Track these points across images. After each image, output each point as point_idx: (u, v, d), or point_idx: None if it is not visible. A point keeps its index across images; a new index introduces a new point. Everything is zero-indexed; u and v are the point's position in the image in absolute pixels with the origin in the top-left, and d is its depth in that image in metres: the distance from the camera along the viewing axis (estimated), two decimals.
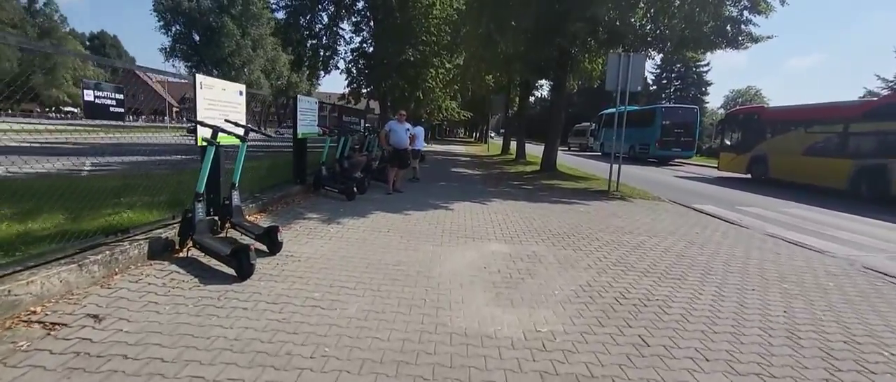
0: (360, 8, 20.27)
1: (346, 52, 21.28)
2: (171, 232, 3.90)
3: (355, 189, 7.41)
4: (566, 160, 20.71)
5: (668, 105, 26.18)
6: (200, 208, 3.69)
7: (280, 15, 19.83)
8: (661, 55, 13.29)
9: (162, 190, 5.30)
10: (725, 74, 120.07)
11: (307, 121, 7.38)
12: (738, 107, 16.97)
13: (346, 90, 21.81)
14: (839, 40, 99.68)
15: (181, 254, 3.81)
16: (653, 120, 23.95)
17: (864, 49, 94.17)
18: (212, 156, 3.66)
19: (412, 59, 20.42)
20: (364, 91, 21.74)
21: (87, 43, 79.89)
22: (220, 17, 55.43)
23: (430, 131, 37.38)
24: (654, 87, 48.69)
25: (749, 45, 11.02)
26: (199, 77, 4.10)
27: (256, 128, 4.63)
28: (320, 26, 20.04)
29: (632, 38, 11.34)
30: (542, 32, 10.65)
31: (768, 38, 10.62)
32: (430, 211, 6.75)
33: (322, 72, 22.15)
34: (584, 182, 12.00)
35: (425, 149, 23.57)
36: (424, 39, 20.29)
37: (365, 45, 21.13)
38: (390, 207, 6.87)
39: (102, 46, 79.52)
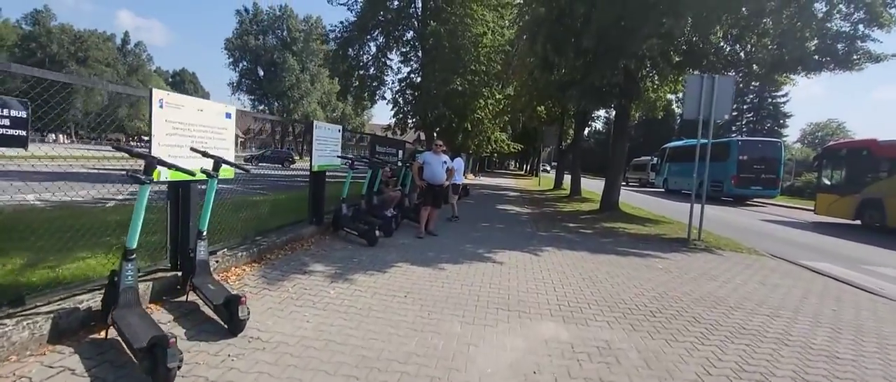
0: (409, 38, 19.88)
1: (393, 83, 20.87)
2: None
3: (379, 231, 6.26)
4: (627, 197, 18.67)
5: (745, 137, 23.43)
6: (129, 270, 2.61)
7: (332, 46, 19.78)
8: (746, 80, 11.44)
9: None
10: (801, 105, 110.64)
11: (326, 151, 6.40)
12: (839, 141, 14.43)
13: (392, 120, 21.31)
14: None
15: (100, 336, 2.72)
16: (727, 154, 21.37)
17: None
18: (146, 199, 2.59)
19: (460, 88, 19.59)
20: (411, 121, 21.10)
21: (171, 79, 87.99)
22: (283, 54, 58.62)
23: (477, 163, 36.33)
24: (724, 120, 45.17)
25: (866, 65, 9.01)
26: (159, 92, 3.12)
27: (231, 162, 3.57)
28: (368, 57, 19.81)
29: (713, 59, 9.67)
30: (604, 53, 9.27)
31: (894, 55, 8.59)
32: (465, 264, 5.42)
33: (368, 103, 21.82)
34: (653, 226, 10.18)
35: (468, 182, 22.56)
36: (473, 69, 19.46)
37: (412, 75, 20.64)
38: (417, 257, 5.62)
39: (183, 82, 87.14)
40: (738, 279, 5.70)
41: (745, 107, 44.19)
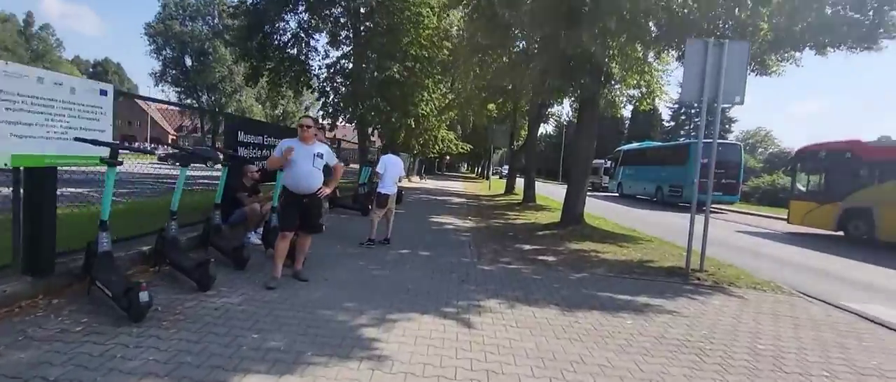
0: (338, 15, 16.79)
1: (320, 69, 17.68)
2: None
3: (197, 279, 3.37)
4: None
5: (704, 140, 22.17)
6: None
7: (242, 20, 16.28)
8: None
9: None
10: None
11: (56, 128, 3.24)
12: (818, 143, 12.92)
13: (320, 114, 18.07)
14: (843, 88, 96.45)
15: None
16: (686, 157, 20.02)
17: (870, 95, 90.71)
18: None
19: (398, 76, 16.77)
20: (342, 116, 17.97)
21: (91, 69, 78.65)
22: (213, 42, 53.03)
23: (423, 164, 33.59)
24: (671, 124, 45.10)
25: (884, 44, 7.15)
26: None
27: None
28: (288, 36, 16.51)
29: (702, 32, 7.48)
30: (568, 17, 6.83)
31: None
32: (326, 361, 2.62)
33: (289, 91, 18.48)
34: (632, 245, 7.84)
35: (411, 185, 19.63)
36: (414, 53, 16.70)
37: (344, 60, 17.57)
38: (217, 351, 2.74)
39: (105, 73, 78.10)
40: (811, 356, 3.29)
41: (693, 111, 44.52)
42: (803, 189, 13.38)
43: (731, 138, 38.33)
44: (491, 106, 22.37)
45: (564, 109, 28.26)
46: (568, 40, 6.68)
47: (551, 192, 23.35)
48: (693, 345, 3.38)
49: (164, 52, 52.79)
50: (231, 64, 54.80)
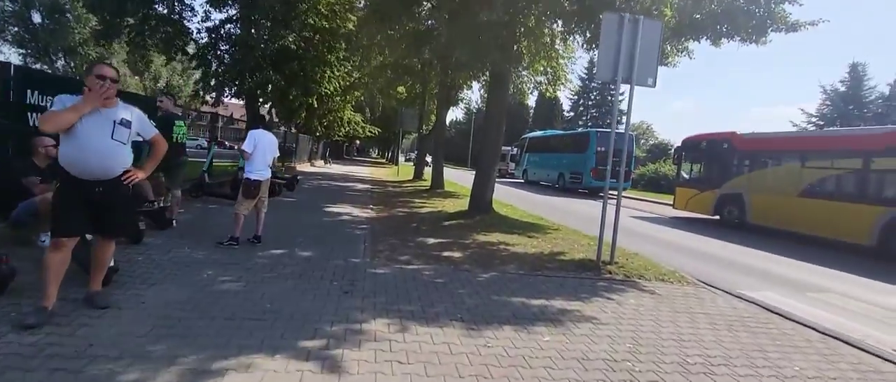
0: None
1: (198, 32, 15.05)
2: None
3: None
4: None
5: (601, 129, 23.43)
6: None
7: None
8: None
9: None
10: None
11: None
12: (700, 134, 13.87)
13: (199, 86, 15.48)
14: (706, 88, 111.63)
15: None
16: (586, 145, 20.84)
17: (728, 97, 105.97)
18: None
19: (295, 47, 14.89)
20: (226, 89, 15.55)
21: None
22: None
23: (328, 148, 31.45)
24: (571, 114, 47.76)
25: (769, 37, 7.45)
26: None
27: None
28: None
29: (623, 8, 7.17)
30: None
31: (811, 24, 7.06)
32: None
33: (155, 54, 15.60)
34: (542, 236, 7.43)
35: (313, 169, 17.70)
36: (312, 22, 14.92)
37: (230, 25, 15.16)
38: None
39: None
40: (740, 368, 2.87)
41: (590, 103, 47.67)
42: (687, 176, 14.39)
43: (621, 129, 41.58)
44: (400, 88, 21.26)
45: (474, 96, 28.27)
46: (482, 5, 5.88)
47: (460, 178, 23.05)
48: (621, 366, 2.78)
49: (1, 5, 42.83)
50: (96, 25, 46.52)
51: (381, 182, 18.45)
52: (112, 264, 3.25)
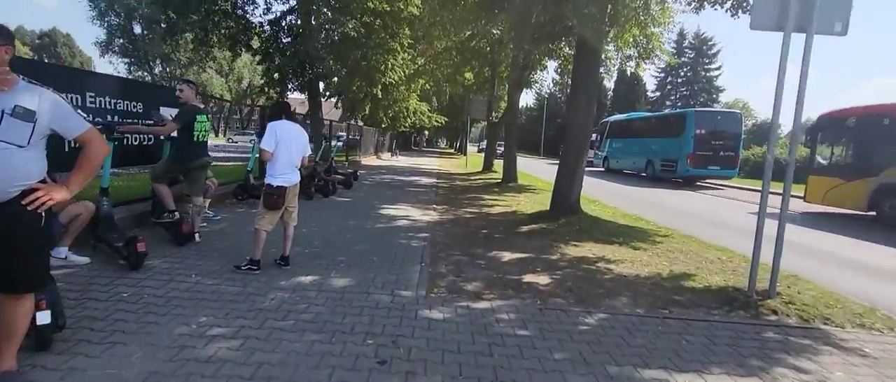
0: None
1: (261, 26, 14.70)
2: None
3: None
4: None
5: (701, 108, 20.37)
6: None
7: None
8: None
9: None
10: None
11: None
12: (844, 108, 10.96)
13: (262, 80, 15.25)
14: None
15: None
16: (683, 128, 18.00)
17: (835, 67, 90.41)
18: None
19: (354, 34, 14.03)
20: (289, 83, 15.17)
21: (37, 40, 71.87)
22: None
23: (394, 140, 30.86)
24: (657, 94, 43.17)
25: None
26: None
27: None
28: None
29: None
30: None
31: None
32: None
33: (220, 49, 15.56)
34: (650, 246, 5.71)
35: (379, 163, 16.47)
36: (372, 6, 13.95)
37: (291, 16, 14.68)
38: None
39: (54, 44, 71.58)
40: None
41: (679, 81, 42.59)
42: (825, 162, 11.51)
43: (718, 108, 36.67)
44: (468, 74, 19.90)
45: (546, 79, 25.93)
46: None
47: (534, 169, 21.25)
48: None
49: (107, 19, 47.68)
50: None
51: (448, 175, 17.26)
52: (49, 320, 2.24)
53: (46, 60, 67.15)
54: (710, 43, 43.10)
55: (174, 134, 4.47)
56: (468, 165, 22.00)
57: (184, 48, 49.74)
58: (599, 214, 7.78)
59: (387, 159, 25.20)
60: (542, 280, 4.15)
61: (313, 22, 14.11)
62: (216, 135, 49.68)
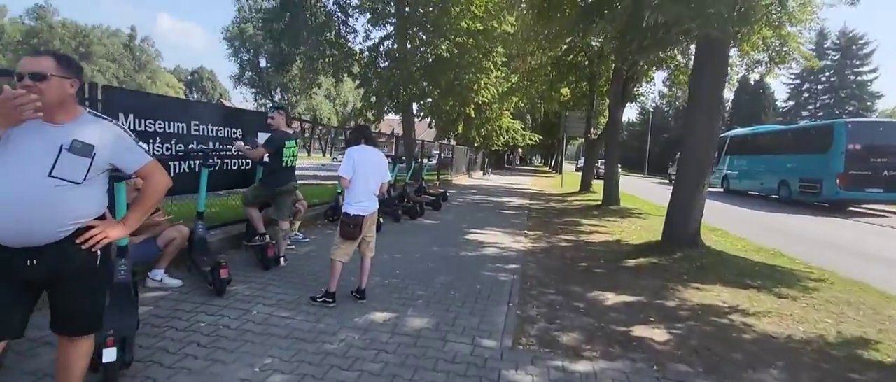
0: None
1: (361, 52, 15.50)
2: None
3: None
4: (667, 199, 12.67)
5: (856, 119, 17.09)
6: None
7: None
8: None
9: None
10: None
11: None
12: None
13: (362, 105, 16.00)
14: None
15: None
16: (830, 142, 15.05)
17: None
18: None
19: (447, 54, 14.08)
20: (386, 105, 15.69)
21: (189, 76, 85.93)
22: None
23: (486, 159, 30.52)
24: (790, 103, 37.35)
25: None
26: None
27: None
28: (322, 16, 14.52)
29: None
30: None
31: None
32: None
33: (325, 77, 16.65)
34: (801, 294, 4.52)
35: (469, 183, 15.99)
36: (466, 26, 13.90)
37: (388, 41, 15.27)
38: None
39: (200, 80, 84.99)
40: None
41: (819, 87, 36.37)
42: None
43: (874, 117, 30.58)
44: (564, 90, 19.00)
45: (653, 91, 23.51)
46: None
47: (639, 189, 19.44)
48: None
49: (240, 55, 55.03)
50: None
51: (542, 195, 16.40)
52: (115, 358, 2.16)
53: (194, 94, 79.46)
54: (860, 41, 36.30)
55: (266, 158, 4.55)
56: (564, 185, 20.82)
57: (298, 77, 55.28)
58: (725, 247, 6.53)
59: (479, 178, 24.97)
60: (658, 334, 3.36)
61: (408, 45, 14.47)
62: (323, 155, 54.13)
